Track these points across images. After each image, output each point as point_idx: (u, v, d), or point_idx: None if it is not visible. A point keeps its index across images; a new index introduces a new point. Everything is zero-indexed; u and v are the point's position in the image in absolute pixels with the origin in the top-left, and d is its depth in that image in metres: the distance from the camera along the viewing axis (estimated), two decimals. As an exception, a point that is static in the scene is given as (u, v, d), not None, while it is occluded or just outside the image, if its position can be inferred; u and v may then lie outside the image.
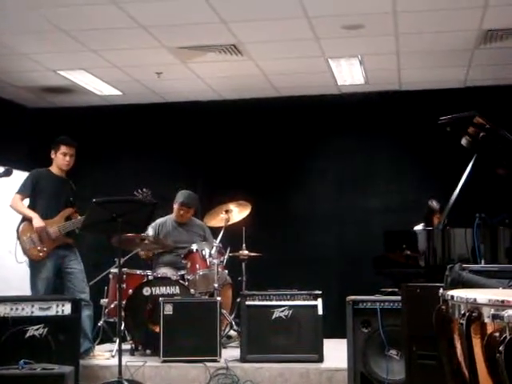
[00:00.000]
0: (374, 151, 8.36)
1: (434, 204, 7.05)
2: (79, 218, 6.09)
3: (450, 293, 2.73)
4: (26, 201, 6.19)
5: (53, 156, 6.28)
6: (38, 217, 6.04)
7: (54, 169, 6.28)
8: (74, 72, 7.60)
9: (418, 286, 4.32)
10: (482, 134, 5.18)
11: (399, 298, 4.63)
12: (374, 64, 7.34)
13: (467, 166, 5.36)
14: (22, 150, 8.04)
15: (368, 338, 5.13)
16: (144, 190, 6.34)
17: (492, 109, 6.49)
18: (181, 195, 7.19)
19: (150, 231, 7.05)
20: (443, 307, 2.78)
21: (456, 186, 5.32)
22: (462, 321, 2.50)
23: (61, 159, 6.23)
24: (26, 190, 6.13)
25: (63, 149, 6.23)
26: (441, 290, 2.97)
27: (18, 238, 6.04)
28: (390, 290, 5.23)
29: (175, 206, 7.20)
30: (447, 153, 7.19)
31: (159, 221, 7.20)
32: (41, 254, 6.00)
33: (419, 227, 6.96)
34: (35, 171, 6.28)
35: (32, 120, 8.89)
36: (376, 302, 5.09)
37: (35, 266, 6.05)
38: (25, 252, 6.02)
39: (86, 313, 6.07)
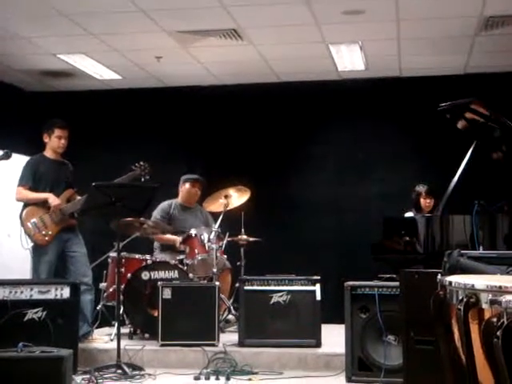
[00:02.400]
0: (374, 137, 8.34)
1: (421, 187, 7.14)
2: (79, 198, 6.08)
3: (448, 279, 2.73)
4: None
5: (46, 140, 6.23)
6: (52, 195, 6.03)
7: (48, 153, 6.24)
8: (73, 56, 7.58)
9: (416, 271, 4.32)
10: (481, 121, 5.17)
11: (397, 283, 4.65)
12: (374, 50, 7.32)
13: (467, 152, 5.35)
14: (21, 134, 8.02)
15: (366, 324, 5.15)
16: (141, 163, 6.27)
17: (492, 95, 6.47)
18: (189, 175, 7.20)
19: (158, 213, 7.04)
20: (441, 293, 2.78)
21: (455, 172, 5.31)
22: (459, 306, 2.50)
23: (56, 142, 6.20)
24: (27, 181, 6.09)
25: (58, 132, 6.20)
26: (439, 276, 2.97)
27: (22, 224, 6.02)
28: (388, 275, 5.25)
29: (186, 186, 7.19)
30: (447, 139, 7.18)
31: (166, 203, 7.19)
32: (46, 239, 6.00)
33: (410, 213, 7.00)
34: (31, 160, 6.23)
35: (31, 104, 8.86)
36: (374, 288, 5.12)
37: (38, 249, 6.05)
38: (30, 238, 6.01)
39: (88, 297, 6.08)
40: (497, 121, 5.14)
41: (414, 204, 7.19)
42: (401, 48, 7.28)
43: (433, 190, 7.07)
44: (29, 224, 5.99)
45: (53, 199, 6.01)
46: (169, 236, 6.89)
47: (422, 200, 7.13)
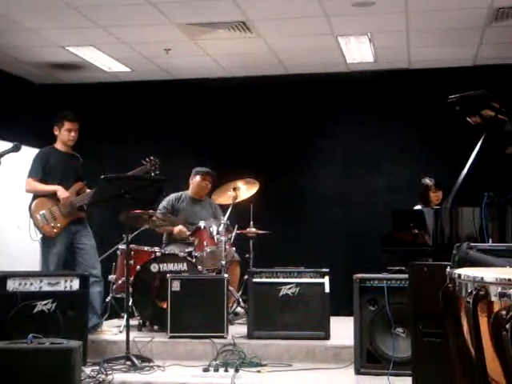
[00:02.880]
0: (383, 130, 8.32)
1: (428, 180, 7.09)
2: (88, 191, 6.09)
3: (457, 271, 2.73)
4: None
5: (56, 133, 6.24)
6: (61, 188, 6.03)
7: (59, 145, 6.25)
8: (82, 48, 7.59)
9: (425, 264, 4.31)
10: (491, 114, 5.15)
11: (406, 276, 4.64)
12: (383, 42, 7.29)
13: (475, 145, 5.33)
14: (30, 127, 8.04)
15: (374, 316, 5.15)
16: (152, 158, 6.28)
17: (502, 88, 6.46)
18: (200, 168, 7.23)
19: (165, 204, 7.06)
20: (450, 286, 2.78)
21: (464, 165, 5.29)
22: (468, 299, 2.50)
23: (66, 135, 6.20)
24: (37, 173, 6.08)
25: (68, 125, 6.20)
26: (448, 269, 2.96)
27: (31, 216, 6.03)
28: (396, 268, 5.24)
29: (197, 178, 7.20)
30: (456, 132, 7.15)
31: (173, 195, 7.21)
32: (55, 231, 6.01)
33: (418, 206, 6.98)
34: (41, 152, 6.24)
35: (40, 96, 8.88)
36: (383, 280, 5.12)
37: (47, 241, 6.06)
38: (39, 229, 6.02)
39: (97, 289, 6.09)
40: (507, 113, 5.12)
41: (421, 197, 7.13)
42: (410, 40, 7.25)
43: (440, 183, 7.05)
44: (38, 216, 6.00)
45: (62, 192, 6.02)
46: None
47: (431, 193, 7.08)
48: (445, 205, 5.42)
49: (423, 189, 7.15)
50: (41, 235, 6.04)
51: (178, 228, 6.91)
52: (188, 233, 6.84)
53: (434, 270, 3.98)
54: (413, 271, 4.34)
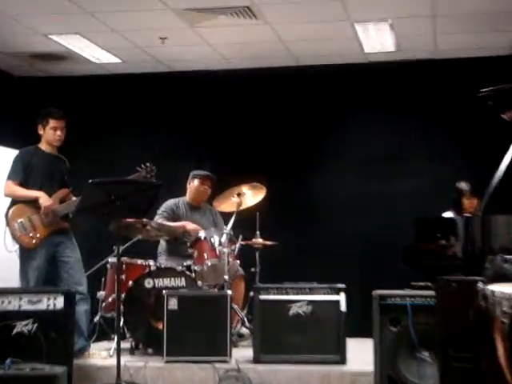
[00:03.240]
0: (405, 128, 8.32)
1: (463, 185, 7.06)
2: (74, 199, 6.09)
3: (491, 287, 2.72)
4: None
5: (41, 132, 6.25)
6: (44, 194, 6.04)
7: (43, 146, 6.26)
8: (67, 37, 7.60)
9: (454, 279, 4.31)
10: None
11: (432, 292, 4.64)
12: (406, 29, 7.29)
13: (511, 144, 5.32)
14: (8, 125, 8.07)
15: (397, 338, 5.13)
16: (148, 164, 6.28)
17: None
18: (199, 171, 7.26)
19: (164, 209, 7.07)
20: (482, 303, 2.77)
21: (497, 167, 5.28)
22: (504, 319, 2.49)
23: (51, 135, 6.21)
24: (17, 175, 6.09)
25: (53, 123, 6.21)
26: (480, 285, 2.95)
27: (8, 224, 6.04)
28: (422, 283, 5.23)
29: (195, 183, 7.22)
30: (488, 130, 7.15)
31: (172, 201, 7.22)
32: (34, 241, 6.01)
33: (449, 213, 6.96)
34: (23, 151, 6.25)
35: (19, 91, 8.90)
36: (406, 298, 5.09)
37: (26, 254, 6.06)
38: (15, 239, 6.02)
39: (83, 307, 6.09)
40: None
41: (454, 204, 7.10)
42: (436, 26, 7.25)
43: (477, 189, 7.00)
44: (15, 224, 6.00)
45: (44, 199, 6.02)
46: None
47: (465, 200, 7.05)
48: (476, 212, 5.41)
49: (457, 194, 7.12)
50: (17, 246, 6.04)
51: (192, 225, 6.90)
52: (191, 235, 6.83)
53: (464, 286, 3.97)
54: (440, 287, 4.34)
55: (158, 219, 6.96)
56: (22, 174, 6.09)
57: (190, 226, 6.93)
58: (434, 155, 8.17)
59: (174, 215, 7.14)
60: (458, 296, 4.02)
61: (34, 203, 6.04)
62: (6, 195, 6.13)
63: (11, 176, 6.11)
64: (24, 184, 6.08)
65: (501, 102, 5.27)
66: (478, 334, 2.87)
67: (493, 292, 2.66)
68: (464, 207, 7.04)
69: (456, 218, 5.93)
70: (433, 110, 8.19)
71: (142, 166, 6.28)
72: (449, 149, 8.15)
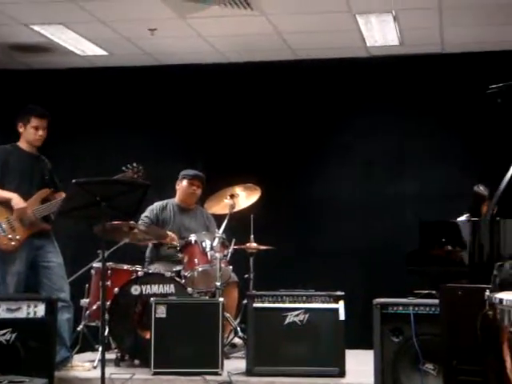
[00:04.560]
0: (410, 127, 8.33)
1: (482, 189, 7.02)
2: (57, 199, 6.08)
3: (499, 296, 2.72)
4: None
5: (21, 129, 6.22)
6: (17, 196, 6.01)
7: (23, 144, 6.23)
8: (50, 27, 7.60)
9: (459, 287, 4.31)
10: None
11: (437, 301, 4.64)
12: (410, 21, 7.30)
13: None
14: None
15: (399, 349, 5.13)
16: (134, 165, 6.27)
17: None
18: (188, 171, 7.26)
19: (147, 214, 7.07)
20: (490, 313, 2.77)
21: (508, 168, 5.29)
22: (512, 329, 2.49)
23: (32, 134, 6.18)
24: None
25: (35, 122, 6.18)
26: (487, 293, 2.95)
27: None
28: (425, 291, 5.23)
29: (183, 183, 7.22)
30: (498, 128, 7.16)
31: (158, 204, 7.21)
32: (13, 243, 5.98)
33: (463, 218, 6.93)
34: (0, 149, 6.24)
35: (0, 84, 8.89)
36: (409, 306, 5.10)
37: (4, 257, 6.03)
38: None
39: (65, 316, 6.06)
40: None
41: (471, 208, 7.05)
42: (443, 18, 7.25)
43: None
44: None
45: (17, 201, 5.98)
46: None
47: (484, 206, 6.98)
48: (484, 216, 5.41)
49: (475, 199, 7.08)
50: None
51: (171, 235, 6.90)
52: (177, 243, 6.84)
53: (471, 294, 3.98)
54: (445, 295, 4.34)
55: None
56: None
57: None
58: (441, 155, 8.18)
59: (158, 221, 7.12)
60: (465, 305, 4.02)
61: (10, 204, 6.03)
62: None
63: None
64: (1, 184, 6.06)
65: (510, 100, 5.28)
66: (485, 346, 2.86)
67: (501, 300, 2.66)
68: (482, 212, 6.97)
69: (462, 222, 5.92)
70: (439, 108, 8.19)
71: (129, 165, 6.27)
72: (456, 148, 8.16)
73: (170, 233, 6.93)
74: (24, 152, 6.22)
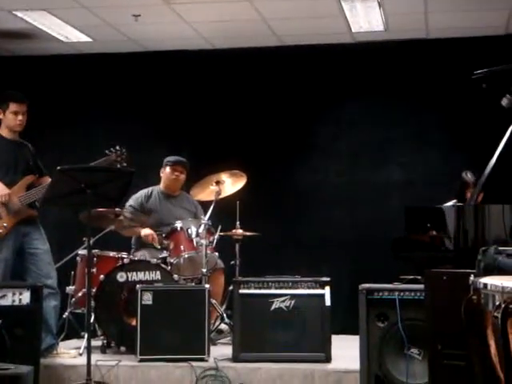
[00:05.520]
0: (395, 113, 8.33)
1: (469, 176, 7.04)
2: (43, 184, 6.06)
3: (483, 280, 2.74)
4: None
5: (0, 116, 6.21)
6: (0, 184, 5.99)
7: (3, 131, 6.20)
8: (33, 13, 7.55)
9: (444, 272, 4.33)
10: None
11: (422, 286, 4.65)
12: (395, 7, 7.29)
13: (506, 130, 5.34)
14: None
15: (384, 334, 5.15)
16: (117, 148, 6.26)
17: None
18: (170, 157, 7.25)
19: (132, 203, 7.06)
20: (474, 297, 2.79)
21: (492, 154, 5.30)
22: (496, 314, 2.50)
23: (12, 119, 6.15)
24: None
25: (13, 107, 6.14)
26: (471, 278, 2.97)
27: None
28: (411, 277, 5.25)
29: (167, 170, 7.22)
30: (482, 115, 7.17)
31: (143, 192, 7.21)
32: (0, 231, 5.98)
33: (449, 204, 6.96)
34: None
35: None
36: (394, 292, 5.11)
37: (-9, 244, 6.03)
38: None
39: (52, 303, 6.06)
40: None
41: (457, 195, 7.09)
42: (428, 4, 7.25)
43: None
44: None
45: (0, 188, 5.97)
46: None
47: (469, 193, 7.04)
48: (469, 201, 5.43)
49: (461, 185, 7.12)
50: None
51: (146, 231, 6.90)
52: (157, 244, 6.83)
53: (456, 279, 4.00)
54: (430, 281, 4.36)
55: None
56: None
57: (143, 232, 6.92)
58: (426, 142, 8.20)
59: (143, 209, 7.11)
60: (449, 290, 4.04)
61: (-3, 191, 6.01)
62: None
63: None
64: None
65: (495, 85, 5.29)
66: (469, 330, 2.88)
67: (485, 285, 2.68)
68: (467, 198, 7.02)
69: (448, 207, 5.94)
70: (424, 94, 8.20)
71: (112, 149, 6.26)
72: (441, 134, 8.17)
73: (150, 231, 6.92)
74: (6, 140, 6.18)
